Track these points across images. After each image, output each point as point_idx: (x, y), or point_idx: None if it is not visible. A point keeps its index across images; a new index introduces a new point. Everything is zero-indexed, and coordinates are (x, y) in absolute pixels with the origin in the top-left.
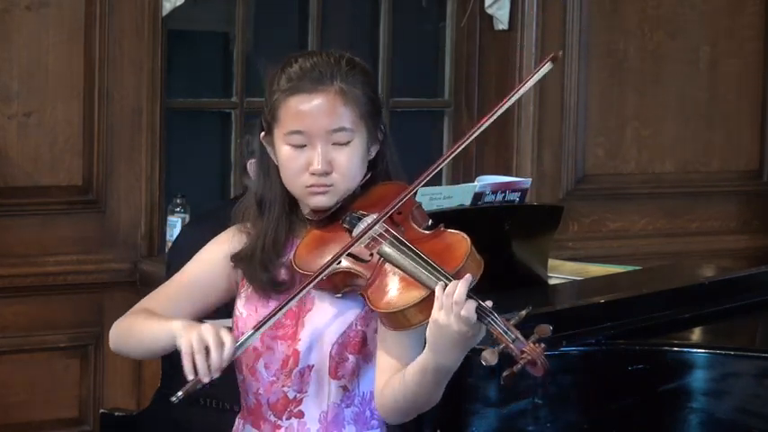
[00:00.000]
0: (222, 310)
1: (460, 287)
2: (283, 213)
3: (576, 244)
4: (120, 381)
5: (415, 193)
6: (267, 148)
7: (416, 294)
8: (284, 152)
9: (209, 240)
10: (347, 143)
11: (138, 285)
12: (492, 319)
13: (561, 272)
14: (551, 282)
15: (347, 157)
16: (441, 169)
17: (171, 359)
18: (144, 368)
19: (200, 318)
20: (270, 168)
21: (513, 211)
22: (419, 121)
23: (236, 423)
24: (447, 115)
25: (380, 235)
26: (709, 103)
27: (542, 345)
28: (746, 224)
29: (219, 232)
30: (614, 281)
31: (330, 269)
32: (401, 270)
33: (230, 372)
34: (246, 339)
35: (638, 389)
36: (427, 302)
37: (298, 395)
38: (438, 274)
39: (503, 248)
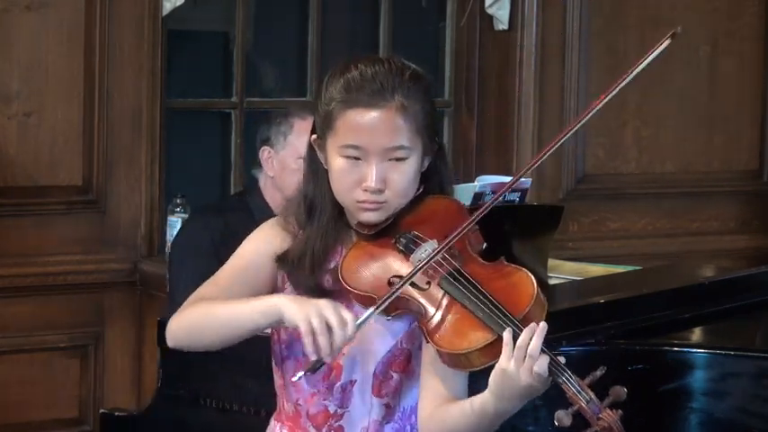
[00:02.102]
0: None
1: (535, 340)
2: (332, 220)
3: (576, 244)
4: (120, 381)
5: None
6: (318, 152)
7: (482, 337)
8: (338, 164)
9: (210, 234)
10: (403, 160)
11: (138, 285)
12: (566, 378)
13: (561, 272)
14: (551, 282)
15: (402, 174)
16: None
17: (167, 359)
18: (144, 368)
19: None
20: (319, 171)
21: (513, 211)
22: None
23: (272, 424)
24: (447, 115)
25: (439, 264)
26: (709, 103)
27: (619, 411)
28: (746, 224)
29: (222, 226)
30: (614, 281)
31: (386, 294)
32: (464, 308)
33: (230, 372)
34: (367, 317)
35: (638, 389)
36: (492, 347)
37: (339, 410)
38: (505, 319)
39: (503, 248)
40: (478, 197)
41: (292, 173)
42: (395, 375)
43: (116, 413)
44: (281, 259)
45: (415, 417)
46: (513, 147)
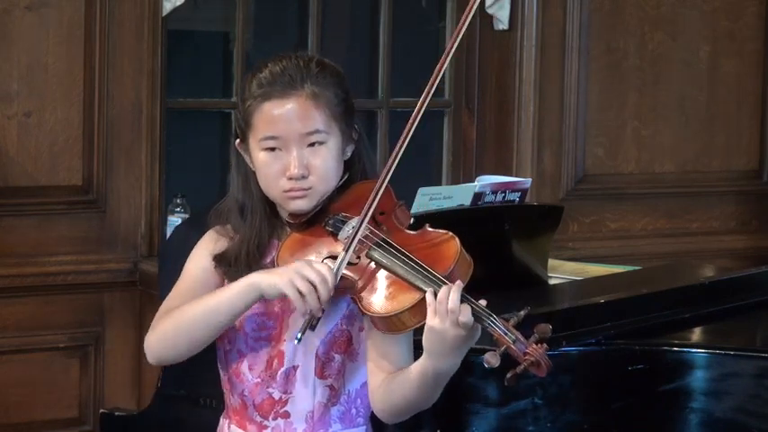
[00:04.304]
0: None
1: (453, 294)
2: (265, 218)
3: (576, 244)
4: (120, 381)
5: (396, 194)
6: (243, 155)
7: (410, 298)
8: (260, 158)
9: (193, 243)
10: (322, 145)
11: (139, 285)
12: (491, 321)
13: (561, 272)
14: (551, 282)
15: (323, 159)
16: (441, 169)
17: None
18: (144, 368)
19: None
20: (247, 174)
21: (513, 211)
22: (419, 121)
23: (221, 423)
24: (447, 115)
25: (366, 237)
26: (709, 103)
27: (544, 345)
28: (746, 224)
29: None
30: (614, 281)
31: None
32: (392, 273)
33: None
34: (340, 264)
35: (638, 389)
36: (421, 305)
37: (283, 396)
38: (430, 277)
39: (503, 248)
40: (478, 197)
41: None
42: (336, 356)
43: (116, 413)
44: (219, 259)
45: (361, 400)
46: (513, 146)
